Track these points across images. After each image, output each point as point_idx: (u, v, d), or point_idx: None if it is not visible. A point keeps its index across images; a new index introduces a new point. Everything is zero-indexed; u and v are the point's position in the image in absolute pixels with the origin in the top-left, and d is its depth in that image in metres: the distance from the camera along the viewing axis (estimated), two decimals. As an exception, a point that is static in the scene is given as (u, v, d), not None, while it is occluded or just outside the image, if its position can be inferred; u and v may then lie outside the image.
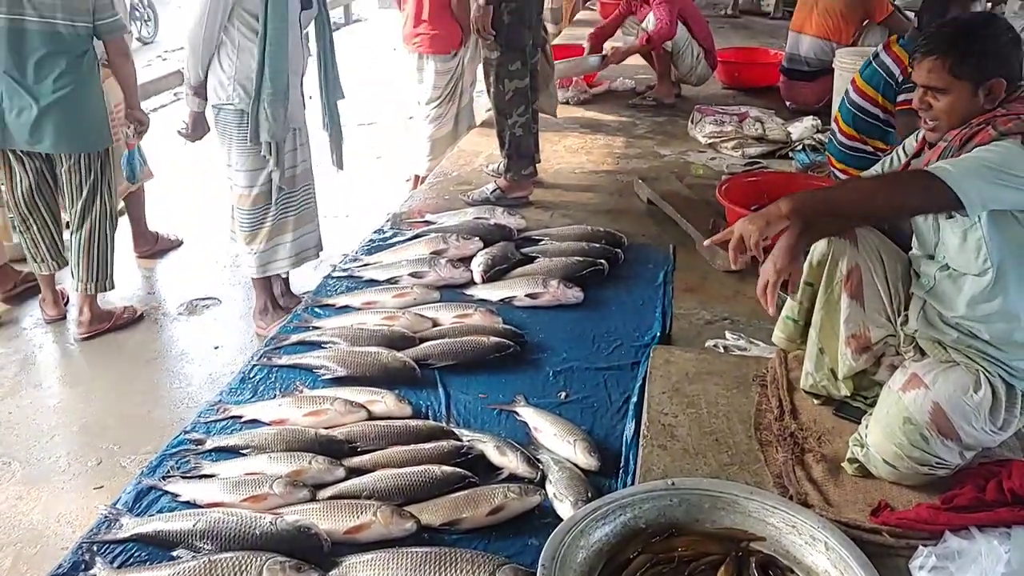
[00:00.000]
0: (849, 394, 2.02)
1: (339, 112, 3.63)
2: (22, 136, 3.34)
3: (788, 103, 5.07)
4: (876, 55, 3.35)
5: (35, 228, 3.57)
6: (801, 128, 4.36)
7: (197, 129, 3.37)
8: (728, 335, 2.61)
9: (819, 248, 1.98)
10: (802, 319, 2.07)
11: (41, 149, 3.40)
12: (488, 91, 3.76)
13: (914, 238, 2.00)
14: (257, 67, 3.10)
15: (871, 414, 1.92)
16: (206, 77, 3.22)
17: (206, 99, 3.27)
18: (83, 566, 1.78)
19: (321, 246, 3.63)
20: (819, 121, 4.44)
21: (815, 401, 2.11)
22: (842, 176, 3.49)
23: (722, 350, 2.53)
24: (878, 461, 1.82)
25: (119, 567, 1.78)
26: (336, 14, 11.85)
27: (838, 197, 1.83)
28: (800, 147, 4.20)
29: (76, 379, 3.32)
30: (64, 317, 3.72)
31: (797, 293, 1.96)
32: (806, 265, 1.98)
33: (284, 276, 3.62)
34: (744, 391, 2.20)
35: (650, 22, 5.01)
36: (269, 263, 3.44)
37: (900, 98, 3.17)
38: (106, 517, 1.91)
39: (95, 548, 1.83)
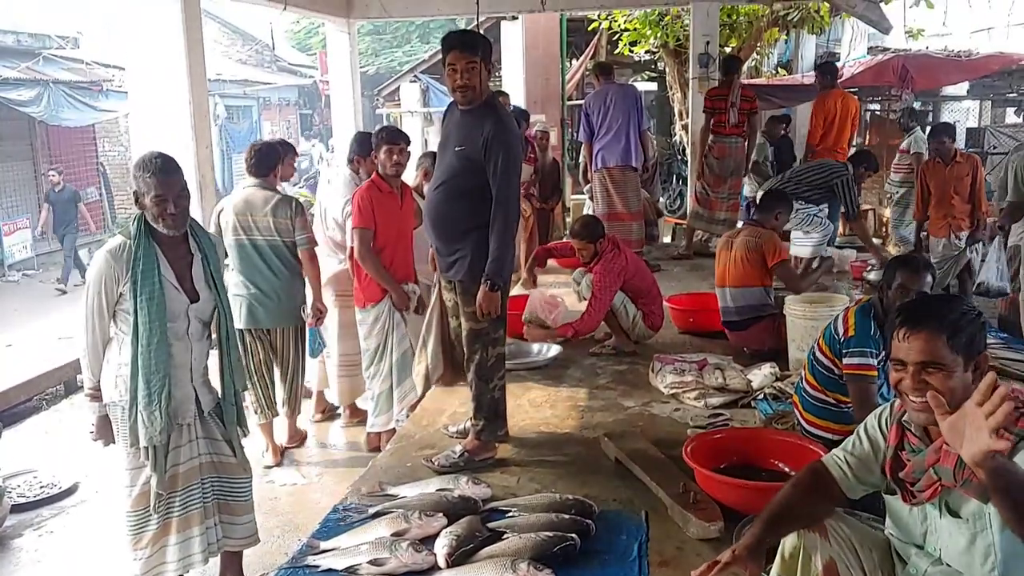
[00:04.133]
0: None
1: (240, 404, 3.41)
2: (255, 318, 4.81)
3: (743, 348, 5.20)
4: (836, 317, 3.47)
5: (259, 386, 4.92)
6: (760, 376, 4.43)
7: (102, 432, 3.20)
8: (709, 619, 2.46)
9: (789, 542, 1.92)
10: (781, 614, 1.96)
11: (264, 325, 4.86)
12: (471, 359, 3.83)
13: (888, 519, 1.94)
14: (131, 368, 3.00)
15: None
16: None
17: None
18: None
19: (229, 539, 3.34)
20: (777, 368, 4.53)
21: None
22: (808, 427, 3.49)
23: (704, 639, 2.37)
24: None
25: None
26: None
27: None
28: (762, 396, 4.25)
29: None
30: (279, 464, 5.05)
31: None
32: (778, 558, 1.91)
33: (237, 564, 3.42)
34: None
35: (584, 288, 5.28)
36: (154, 568, 3.18)
37: (845, 361, 3.27)
38: None
39: None
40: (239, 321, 4.68)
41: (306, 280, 4.88)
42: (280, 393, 5.03)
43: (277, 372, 4.98)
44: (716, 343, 5.39)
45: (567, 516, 3.09)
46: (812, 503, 1.95)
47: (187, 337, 3.13)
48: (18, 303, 11.43)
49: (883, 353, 3.20)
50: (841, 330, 3.31)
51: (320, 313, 4.93)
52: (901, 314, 1.86)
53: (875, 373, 3.19)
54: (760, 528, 1.90)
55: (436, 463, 3.77)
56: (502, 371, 3.89)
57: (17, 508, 4.57)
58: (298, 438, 5.32)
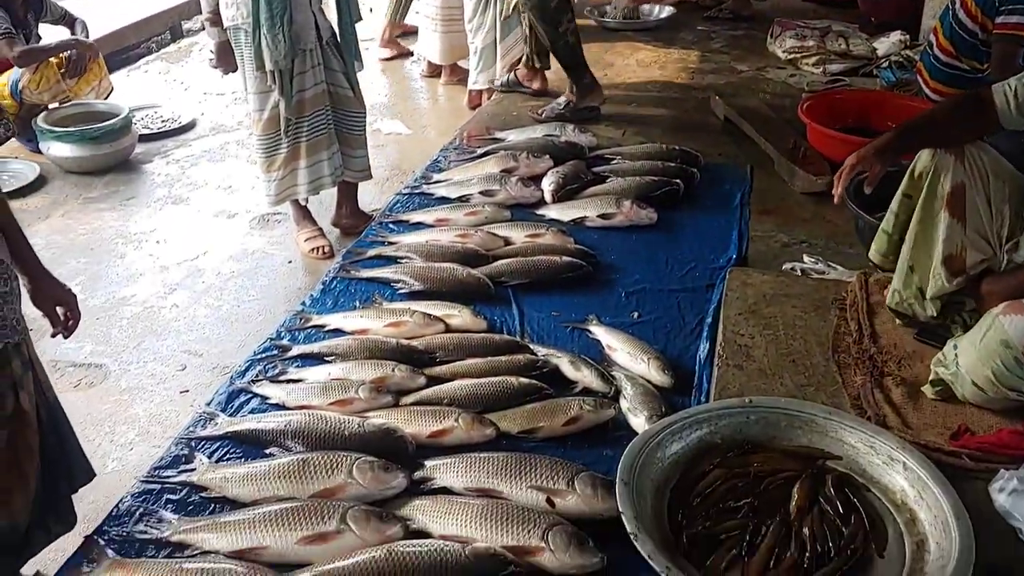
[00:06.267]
0: (935, 315, 1.97)
1: (356, 35, 3.39)
2: None
3: (871, 18, 4.83)
4: None
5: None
6: (888, 44, 4.15)
7: (223, 59, 3.24)
8: (806, 258, 2.58)
9: (922, 159, 1.88)
10: (897, 234, 1.99)
11: None
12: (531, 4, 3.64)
13: None
14: None
15: (954, 338, 1.88)
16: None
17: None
18: (183, 460, 1.89)
19: (347, 170, 3.48)
20: (907, 36, 4.22)
21: (896, 323, 2.08)
22: (932, 95, 3.31)
23: (799, 273, 2.50)
24: (967, 383, 1.78)
25: (216, 461, 1.89)
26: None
27: None
28: (886, 64, 4.00)
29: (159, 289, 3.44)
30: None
31: (870, 189, 1.95)
32: (906, 176, 1.91)
33: (353, 194, 3.65)
34: (822, 314, 2.17)
35: None
36: (286, 190, 3.38)
37: (999, 20, 2.95)
38: (201, 416, 2.02)
39: (193, 443, 1.94)
40: None
41: None
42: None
43: None
44: (843, 12, 5.01)
45: (671, 164, 3.16)
46: (959, 124, 1.87)
47: None
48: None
49: None
50: None
51: None
52: None
53: None
54: (896, 133, 1.88)
55: (541, 113, 3.80)
56: (568, 13, 3.66)
57: (143, 138, 4.88)
58: (392, 44, 5.98)
